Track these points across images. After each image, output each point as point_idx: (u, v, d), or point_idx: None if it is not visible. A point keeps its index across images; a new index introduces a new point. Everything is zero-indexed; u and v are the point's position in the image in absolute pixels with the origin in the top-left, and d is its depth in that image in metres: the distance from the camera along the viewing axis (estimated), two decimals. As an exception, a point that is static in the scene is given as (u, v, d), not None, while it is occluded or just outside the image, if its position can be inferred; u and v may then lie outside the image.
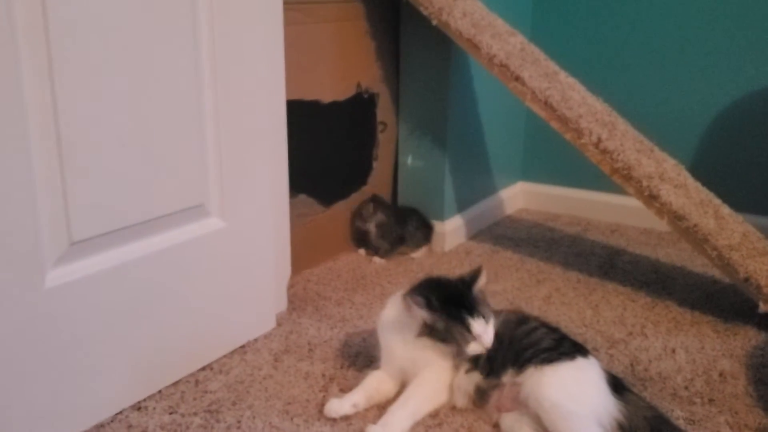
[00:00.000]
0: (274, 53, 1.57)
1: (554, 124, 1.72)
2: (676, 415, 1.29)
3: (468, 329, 1.22)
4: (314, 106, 1.90)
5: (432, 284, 1.30)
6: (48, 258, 1.13)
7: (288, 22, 1.61)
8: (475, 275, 1.29)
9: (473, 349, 1.23)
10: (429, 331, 1.24)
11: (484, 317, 1.23)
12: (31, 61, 1.06)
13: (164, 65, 1.27)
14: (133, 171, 1.24)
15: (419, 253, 2.13)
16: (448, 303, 1.23)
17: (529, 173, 2.66)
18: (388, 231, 2.08)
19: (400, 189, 2.24)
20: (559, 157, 2.50)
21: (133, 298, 1.28)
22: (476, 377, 1.26)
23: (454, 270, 2.00)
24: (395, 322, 1.31)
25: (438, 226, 2.18)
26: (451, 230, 2.20)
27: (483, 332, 1.22)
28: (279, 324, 1.63)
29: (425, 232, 2.16)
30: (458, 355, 1.26)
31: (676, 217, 1.63)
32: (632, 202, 1.71)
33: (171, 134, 1.30)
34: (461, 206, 2.27)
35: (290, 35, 1.64)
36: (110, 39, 1.16)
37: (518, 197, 2.66)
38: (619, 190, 1.71)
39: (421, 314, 1.23)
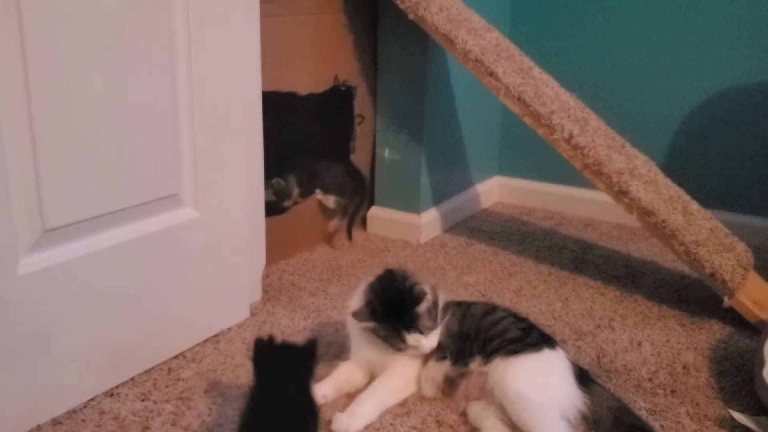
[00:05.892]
0: (250, 45, 1.57)
1: (527, 120, 1.75)
2: (639, 406, 1.32)
3: (403, 341, 1.25)
4: (291, 97, 1.91)
5: (385, 284, 1.30)
6: (21, 245, 1.14)
7: (265, 14, 1.62)
8: (418, 298, 1.25)
9: (411, 352, 1.27)
10: (372, 331, 1.29)
11: (421, 332, 1.24)
12: (2, 47, 1.06)
13: (139, 54, 1.27)
14: (106, 160, 1.25)
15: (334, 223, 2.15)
16: (390, 312, 1.25)
17: (505, 167, 2.69)
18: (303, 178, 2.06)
19: (377, 181, 2.26)
20: (535, 152, 2.53)
21: (107, 286, 1.29)
22: (445, 367, 1.28)
23: (428, 262, 2.02)
24: None
25: (414, 218, 2.21)
26: (427, 222, 2.22)
27: (417, 342, 1.24)
28: (253, 314, 1.65)
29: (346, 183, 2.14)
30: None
31: (644, 213, 1.66)
32: (606, 198, 1.73)
33: (145, 124, 1.31)
34: (437, 199, 2.29)
35: (267, 27, 1.65)
36: (84, 28, 1.17)
37: (494, 191, 2.68)
38: (593, 186, 1.74)
39: (364, 324, 1.28)
